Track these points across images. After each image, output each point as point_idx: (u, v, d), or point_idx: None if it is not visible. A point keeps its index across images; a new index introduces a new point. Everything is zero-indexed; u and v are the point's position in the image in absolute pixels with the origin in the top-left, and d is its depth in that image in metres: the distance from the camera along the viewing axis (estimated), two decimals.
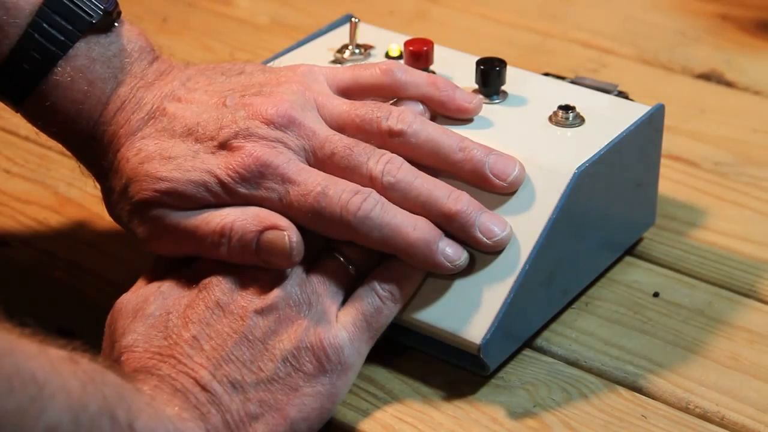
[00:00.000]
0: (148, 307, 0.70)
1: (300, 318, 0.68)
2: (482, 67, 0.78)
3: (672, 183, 0.86)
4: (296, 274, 0.70)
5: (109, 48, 0.74)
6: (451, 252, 0.70)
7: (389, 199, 0.70)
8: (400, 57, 0.81)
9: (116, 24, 0.74)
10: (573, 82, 0.83)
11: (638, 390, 0.71)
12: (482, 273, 0.70)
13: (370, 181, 0.70)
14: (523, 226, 0.71)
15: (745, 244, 0.81)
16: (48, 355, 0.57)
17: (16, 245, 0.84)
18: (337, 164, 0.71)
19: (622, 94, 0.81)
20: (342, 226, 0.69)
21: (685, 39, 1.04)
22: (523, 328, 0.73)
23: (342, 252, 0.71)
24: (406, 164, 0.71)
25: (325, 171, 0.71)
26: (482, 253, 0.71)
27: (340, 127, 0.72)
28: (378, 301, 0.70)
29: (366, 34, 0.84)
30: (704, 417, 0.69)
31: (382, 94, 0.75)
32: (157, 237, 0.72)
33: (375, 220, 0.69)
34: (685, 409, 0.69)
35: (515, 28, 1.07)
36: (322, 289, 0.70)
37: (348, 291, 0.71)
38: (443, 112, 0.76)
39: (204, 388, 0.66)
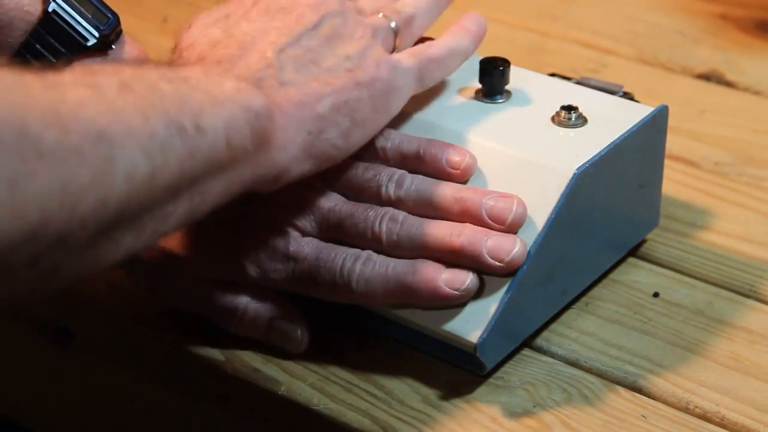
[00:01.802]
0: (205, 19, 0.72)
1: (362, 37, 0.72)
2: (486, 66, 0.78)
3: (672, 183, 0.86)
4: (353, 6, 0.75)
5: None
6: (454, 280, 0.69)
7: (397, 256, 0.71)
8: None
9: (113, 46, 0.74)
10: (578, 82, 0.83)
11: (638, 390, 0.71)
12: (480, 272, 0.70)
13: (376, 242, 0.71)
14: (522, 226, 0.71)
15: (745, 245, 0.81)
16: (103, 94, 0.57)
17: None
18: (344, 233, 0.72)
19: (627, 95, 0.81)
20: (344, 291, 0.71)
21: (685, 39, 1.04)
22: (521, 328, 0.73)
23: (387, 15, 0.76)
24: (408, 218, 0.71)
25: (334, 236, 0.72)
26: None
27: (343, 190, 0.73)
28: (436, 51, 0.76)
29: None
30: (704, 417, 0.69)
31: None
32: (165, 290, 0.75)
33: (374, 278, 0.70)
34: (685, 409, 0.69)
35: (515, 28, 1.07)
36: (373, 32, 0.73)
37: (390, 49, 0.75)
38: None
39: (269, 64, 0.68)
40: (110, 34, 0.73)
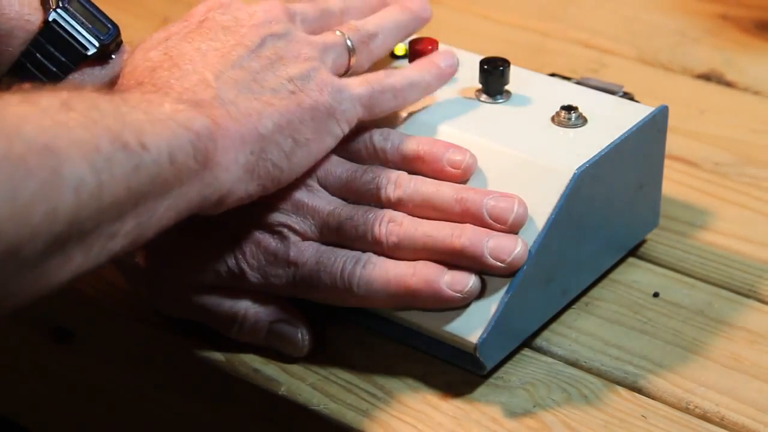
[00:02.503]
0: (148, 43, 0.71)
1: (308, 58, 0.72)
2: (486, 66, 0.78)
3: (672, 183, 0.86)
4: (300, 23, 0.75)
5: (102, 80, 0.74)
6: (457, 282, 0.69)
7: (398, 258, 0.70)
8: (405, 56, 0.81)
9: (113, 56, 0.75)
10: (578, 82, 0.83)
11: (638, 390, 0.71)
12: (480, 272, 0.70)
13: (376, 245, 0.71)
14: (523, 226, 0.71)
15: (745, 245, 0.81)
16: (45, 110, 0.57)
17: None
18: (344, 236, 0.71)
19: (627, 96, 0.81)
20: (346, 294, 0.71)
21: (685, 39, 1.04)
22: (520, 328, 0.73)
23: (344, 32, 0.75)
24: (407, 219, 0.71)
25: (335, 240, 0.72)
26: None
27: (343, 194, 0.73)
28: (388, 86, 0.74)
29: None
30: (704, 417, 0.69)
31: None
32: (165, 298, 0.74)
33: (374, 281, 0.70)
34: (685, 409, 0.69)
35: (515, 28, 1.07)
36: (322, 50, 0.74)
37: (342, 71, 0.75)
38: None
39: (208, 85, 0.67)
40: (110, 43, 0.74)
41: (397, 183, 0.72)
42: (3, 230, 0.53)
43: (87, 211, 0.57)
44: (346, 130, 0.72)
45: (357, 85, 0.73)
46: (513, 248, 0.69)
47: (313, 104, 0.70)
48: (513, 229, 0.70)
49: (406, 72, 0.76)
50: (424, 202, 0.72)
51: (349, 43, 0.75)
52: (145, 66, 0.69)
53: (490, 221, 0.70)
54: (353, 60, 0.75)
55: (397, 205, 0.72)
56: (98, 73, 0.74)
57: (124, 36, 0.76)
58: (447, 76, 0.78)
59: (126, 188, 0.59)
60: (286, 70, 0.70)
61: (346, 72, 0.75)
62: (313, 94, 0.70)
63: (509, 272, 0.69)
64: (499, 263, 0.69)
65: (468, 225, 0.70)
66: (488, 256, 0.69)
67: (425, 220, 0.71)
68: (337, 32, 0.75)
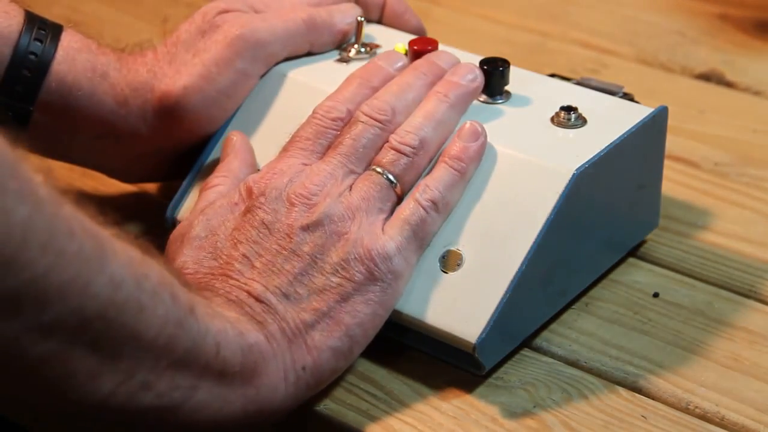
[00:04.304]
0: (193, 230, 0.72)
1: (346, 232, 0.70)
2: (486, 67, 0.78)
3: (672, 183, 0.86)
4: (338, 191, 0.71)
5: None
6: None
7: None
8: (405, 56, 0.81)
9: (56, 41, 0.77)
10: (578, 83, 0.83)
11: (638, 390, 0.71)
12: (479, 272, 0.71)
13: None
14: (521, 226, 0.71)
15: (745, 245, 0.81)
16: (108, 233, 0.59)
17: None
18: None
19: (627, 96, 0.81)
20: None
21: (685, 39, 1.04)
22: (519, 328, 0.73)
23: (384, 167, 0.73)
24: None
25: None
26: (479, 252, 0.71)
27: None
28: (421, 211, 0.72)
29: (371, 33, 0.85)
30: (704, 417, 0.69)
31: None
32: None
33: None
34: (685, 410, 0.69)
35: (515, 28, 1.07)
36: (365, 205, 0.71)
37: (393, 206, 0.72)
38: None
39: (258, 299, 0.68)
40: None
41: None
42: None
43: (111, 314, 0.57)
44: (407, 279, 0.72)
45: (396, 233, 0.71)
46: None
47: (360, 285, 0.70)
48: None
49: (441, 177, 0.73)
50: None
51: (389, 178, 0.72)
52: (202, 273, 0.70)
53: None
54: (399, 190, 0.73)
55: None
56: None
57: (124, 36, 0.77)
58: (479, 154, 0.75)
59: (160, 327, 0.59)
60: (329, 260, 0.70)
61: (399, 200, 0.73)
62: (358, 277, 0.70)
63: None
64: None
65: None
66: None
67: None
68: (377, 170, 0.73)
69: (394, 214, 0.72)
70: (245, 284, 0.69)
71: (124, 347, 0.58)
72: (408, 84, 0.76)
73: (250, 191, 0.72)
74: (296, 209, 0.70)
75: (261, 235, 0.70)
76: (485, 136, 0.74)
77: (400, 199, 0.73)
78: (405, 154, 0.73)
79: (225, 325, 0.64)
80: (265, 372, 0.66)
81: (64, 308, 0.55)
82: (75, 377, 0.58)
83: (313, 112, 0.75)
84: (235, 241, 0.71)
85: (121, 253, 0.58)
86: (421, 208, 0.71)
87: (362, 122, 0.74)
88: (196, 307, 0.62)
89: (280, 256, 0.70)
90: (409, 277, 0.71)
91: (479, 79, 0.77)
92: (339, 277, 0.69)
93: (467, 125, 0.74)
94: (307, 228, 0.70)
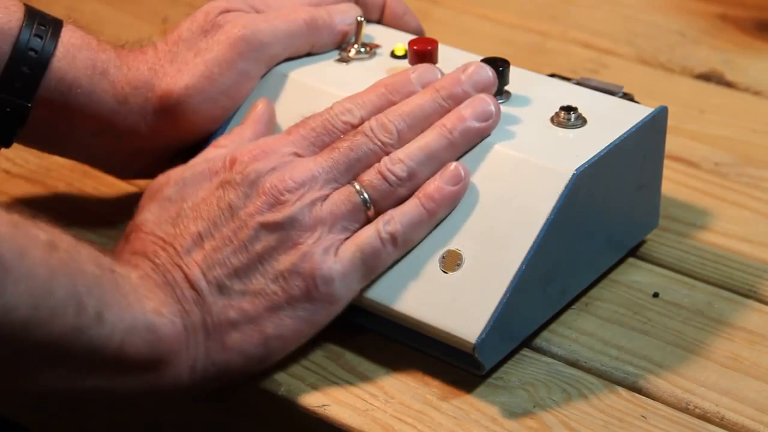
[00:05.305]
0: (168, 190, 0.73)
1: (301, 243, 0.70)
2: None
3: (672, 183, 0.86)
4: (311, 199, 0.71)
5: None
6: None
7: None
8: (404, 56, 0.81)
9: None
10: (578, 83, 0.83)
11: (638, 390, 0.71)
12: (479, 272, 0.71)
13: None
14: (520, 226, 0.71)
15: (745, 245, 0.81)
16: (25, 237, 0.61)
17: None
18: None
19: (627, 96, 0.81)
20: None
21: (685, 39, 1.04)
22: (519, 328, 0.73)
23: (364, 187, 0.72)
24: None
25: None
26: (478, 252, 0.71)
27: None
28: (378, 242, 0.71)
29: (371, 33, 0.85)
30: (704, 417, 0.69)
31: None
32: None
33: None
34: (685, 410, 0.70)
35: (515, 28, 1.07)
36: (330, 220, 0.71)
37: (360, 227, 0.72)
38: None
39: (192, 285, 0.69)
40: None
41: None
42: None
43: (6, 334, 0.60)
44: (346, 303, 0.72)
45: (347, 258, 0.71)
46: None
47: (294, 300, 0.70)
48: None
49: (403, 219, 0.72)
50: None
51: (365, 198, 0.72)
52: (155, 236, 0.71)
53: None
54: (372, 213, 0.72)
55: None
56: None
57: (124, 36, 0.77)
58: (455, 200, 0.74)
59: (60, 339, 0.63)
60: (275, 266, 0.70)
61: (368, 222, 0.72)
62: (295, 291, 0.70)
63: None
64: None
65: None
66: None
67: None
68: (356, 187, 0.72)
69: (354, 235, 0.71)
70: (186, 265, 0.69)
71: (21, 357, 0.63)
72: (421, 107, 0.74)
73: (233, 163, 0.72)
74: (264, 201, 0.70)
75: (223, 217, 0.71)
76: (466, 183, 0.72)
77: (369, 221, 0.72)
78: (389, 182, 0.72)
79: (138, 319, 0.66)
80: (173, 362, 0.68)
81: None
82: None
83: (332, 106, 0.75)
84: (197, 214, 0.71)
85: (22, 280, 0.60)
86: (378, 240, 0.71)
87: (365, 135, 0.73)
88: (107, 309, 0.64)
89: (231, 246, 0.70)
90: (348, 302, 0.71)
91: (493, 119, 0.74)
92: (277, 286, 0.70)
93: (451, 167, 0.72)
94: (266, 226, 0.70)
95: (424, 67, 0.77)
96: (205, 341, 0.69)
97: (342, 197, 0.71)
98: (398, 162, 0.72)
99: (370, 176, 0.72)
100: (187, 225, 0.71)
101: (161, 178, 0.74)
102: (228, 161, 0.73)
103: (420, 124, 0.74)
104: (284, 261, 0.70)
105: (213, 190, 0.72)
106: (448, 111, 0.74)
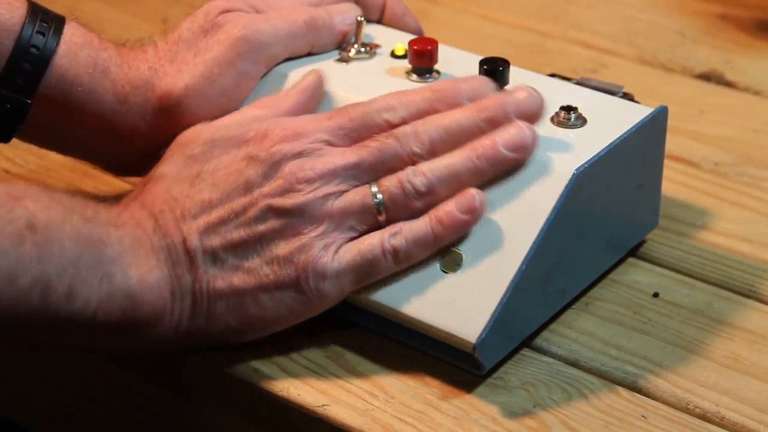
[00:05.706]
0: (196, 148, 0.74)
1: (303, 234, 0.70)
2: (486, 67, 0.78)
3: (672, 183, 0.86)
4: (325, 192, 0.71)
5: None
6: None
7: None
8: (404, 56, 0.81)
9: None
10: (578, 83, 0.83)
11: (638, 390, 0.71)
12: (479, 272, 0.71)
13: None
14: (520, 226, 0.71)
15: (745, 245, 0.81)
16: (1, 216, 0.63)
17: None
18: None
19: (627, 96, 0.81)
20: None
21: (685, 39, 1.04)
22: (519, 328, 0.73)
23: (382, 191, 0.71)
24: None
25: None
26: (478, 252, 0.71)
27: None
28: (380, 252, 0.71)
29: (371, 33, 0.85)
30: (704, 417, 0.69)
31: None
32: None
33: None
34: (685, 410, 0.70)
35: (515, 28, 1.07)
36: (338, 217, 0.71)
37: (368, 230, 0.71)
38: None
39: (188, 250, 0.70)
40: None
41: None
42: None
43: None
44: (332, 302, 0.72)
45: (345, 259, 0.70)
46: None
47: (282, 286, 0.70)
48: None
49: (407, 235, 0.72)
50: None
51: (379, 202, 0.71)
52: (168, 195, 0.72)
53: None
54: (383, 218, 0.71)
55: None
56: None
57: (124, 36, 0.77)
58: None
59: (32, 319, 0.65)
60: (274, 250, 0.70)
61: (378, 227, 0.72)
62: (285, 279, 0.70)
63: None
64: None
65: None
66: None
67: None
68: (373, 189, 0.71)
69: (359, 239, 0.71)
70: (186, 231, 0.70)
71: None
72: (459, 124, 0.72)
73: (264, 137, 0.72)
74: (280, 185, 0.70)
75: (237, 191, 0.71)
76: (479, 214, 0.71)
77: (378, 227, 0.71)
78: (406, 193, 0.71)
79: (118, 288, 0.67)
80: (156, 325, 0.69)
81: None
82: None
83: (376, 99, 0.74)
84: (215, 181, 0.72)
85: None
86: (381, 250, 0.70)
87: (397, 140, 0.72)
88: (80, 285, 0.66)
89: (236, 220, 0.70)
90: (335, 302, 0.71)
91: (527, 150, 0.72)
92: (270, 269, 0.70)
93: (468, 193, 0.71)
94: (275, 210, 0.70)
95: (478, 81, 0.75)
96: (192, 306, 0.70)
97: (357, 197, 0.71)
98: (421, 175, 0.71)
99: (390, 182, 0.71)
100: (202, 189, 0.71)
101: (192, 133, 0.75)
102: (261, 133, 0.73)
103: (454, 139, 0.72)
104: (283, 247, 0.70)
105: (237, 161, 0.72)
106: (485, 132, 0.72)
